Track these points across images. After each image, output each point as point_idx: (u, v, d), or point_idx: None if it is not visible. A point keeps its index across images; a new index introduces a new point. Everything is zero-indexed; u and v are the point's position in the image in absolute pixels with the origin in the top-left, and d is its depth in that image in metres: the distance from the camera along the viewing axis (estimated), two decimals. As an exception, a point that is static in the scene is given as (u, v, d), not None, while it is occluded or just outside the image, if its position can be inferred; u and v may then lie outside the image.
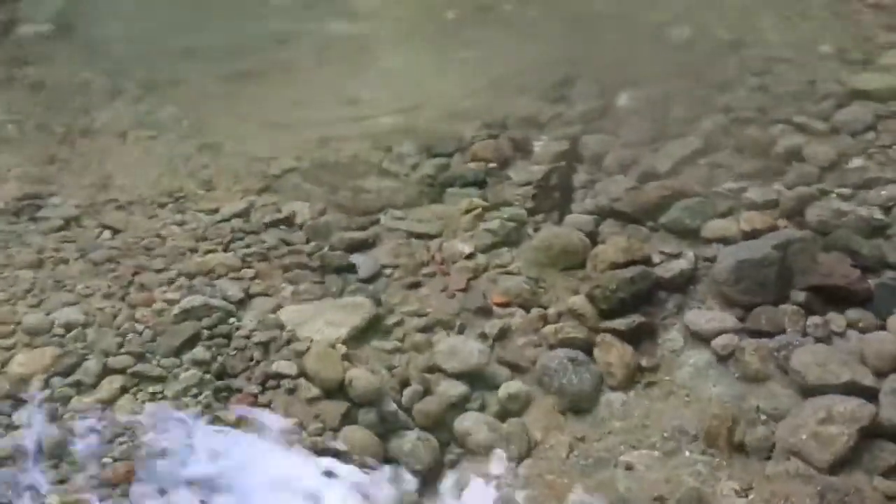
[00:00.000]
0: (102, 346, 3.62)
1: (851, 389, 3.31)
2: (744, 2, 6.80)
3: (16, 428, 3.27)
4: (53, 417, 3.31)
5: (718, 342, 3.67)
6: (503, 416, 3.49)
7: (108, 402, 3.37)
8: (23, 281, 4.05)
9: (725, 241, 4.15)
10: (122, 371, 3.51)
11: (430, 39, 6.75)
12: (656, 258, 4.10)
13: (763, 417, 3.36)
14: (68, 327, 3.72)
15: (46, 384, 3.44)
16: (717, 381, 3.56)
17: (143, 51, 7.11)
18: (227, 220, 4.59)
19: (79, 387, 3.43)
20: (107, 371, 3.51)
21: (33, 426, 3.27)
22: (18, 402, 3.37)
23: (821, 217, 4.18)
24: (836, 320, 3.68)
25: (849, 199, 4.32)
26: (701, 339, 3.73)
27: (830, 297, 3.77)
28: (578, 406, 3.53)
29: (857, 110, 4.86)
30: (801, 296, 3.79)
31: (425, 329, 3.82)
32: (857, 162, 4.54)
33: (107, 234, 4.52)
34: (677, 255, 4.11)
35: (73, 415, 3.32)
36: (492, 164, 5.00)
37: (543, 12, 6.99)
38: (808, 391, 3.38)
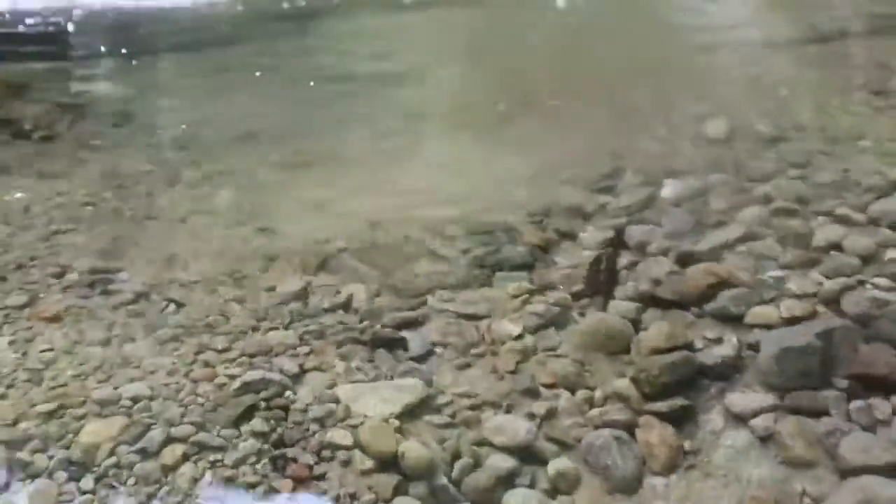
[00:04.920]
0: (166, 416, 3.78)
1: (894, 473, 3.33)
2: (783, 96, 7.01)
3: (83, 493, 3.42)
4: (119, 483, 3.45)
5: (758, 423, 3.71)
6: (553, 493, 3.52)
7: (171, 469, 3.51)
8: (93, 357, 4.27)
9: (767, 327, 4.21)
10: (184, 440, 3.66)
11: (479, 131, 7.01)
12: (699, 343, 4.17)
13: (808, 501, 3.38)
14: (135, 400, 3.90)
15: (113, 452, 3.59)
16: (758, 463, 3.59)
17: (199, 139, 7.51)
18: (287, 302, 4.78)
19: (143, 454, 3.58)
20: (170, 440, 3.66)
21: (100, 492, 3.41)
22: (86, 469, 3.53)
23: (861, 307, 4.24)
24: (881, 406, 3.71)
25: (888, 290, 4.38)
26: (740, 420, 3.76)
27: (872, 385, 3.79)
28: (624, 487, 3.56)
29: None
30: (843, 383, 3.82)
31: (474, 408, 3.91)
32: (893, 254, 4.62)
33: (171, 307, 4.74)
34: (720, 341, 4.18)
35: (137, 481, 3.46)
36: (539, 250, 5.19)
37: (588, 106, 7.27)
38: (848, 473, 3.40)
